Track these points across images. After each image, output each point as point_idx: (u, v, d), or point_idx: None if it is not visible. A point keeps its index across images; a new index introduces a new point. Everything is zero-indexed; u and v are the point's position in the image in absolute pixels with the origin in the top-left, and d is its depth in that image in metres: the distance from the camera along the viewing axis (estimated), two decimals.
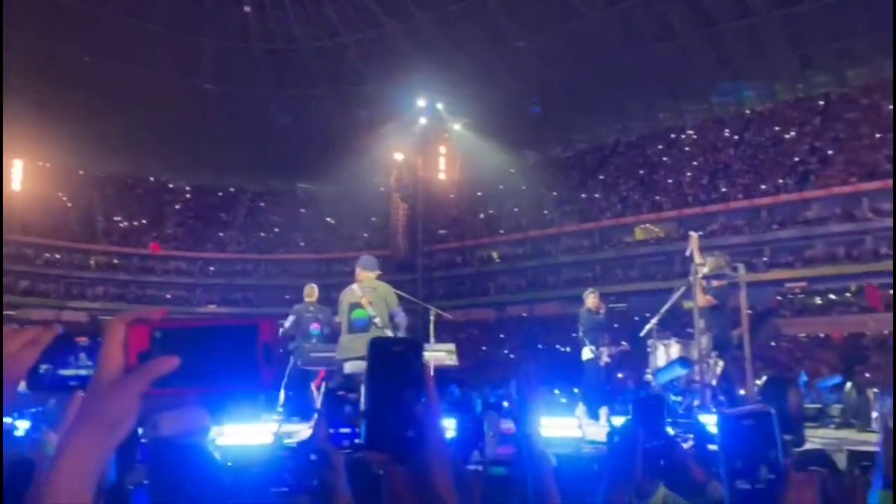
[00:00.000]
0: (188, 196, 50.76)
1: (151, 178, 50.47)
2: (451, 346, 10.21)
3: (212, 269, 46.62)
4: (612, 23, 39.21)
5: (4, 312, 32.81)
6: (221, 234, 48.27)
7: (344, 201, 50.72)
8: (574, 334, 9.95)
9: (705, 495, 2.20)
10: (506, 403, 10.96)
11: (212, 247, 47.11)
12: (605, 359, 9.01)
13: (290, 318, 9.38)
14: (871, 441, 6.47)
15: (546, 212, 41.92)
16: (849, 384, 9.26)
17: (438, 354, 8.64)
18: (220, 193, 51.58)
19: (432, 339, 9.39)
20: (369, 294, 6.78)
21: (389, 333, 6.73)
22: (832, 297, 32.35)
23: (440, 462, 0.90)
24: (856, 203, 33.13)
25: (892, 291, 27.60)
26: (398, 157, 29.12)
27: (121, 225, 46.16)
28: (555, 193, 43.11)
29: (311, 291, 10.06)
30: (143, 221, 46.95)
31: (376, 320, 6.63)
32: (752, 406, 1.39)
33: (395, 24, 39.98)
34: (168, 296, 44.96)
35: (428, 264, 38.62)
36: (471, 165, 37.49)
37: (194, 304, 44.54)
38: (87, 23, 34.84)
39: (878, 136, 35.65)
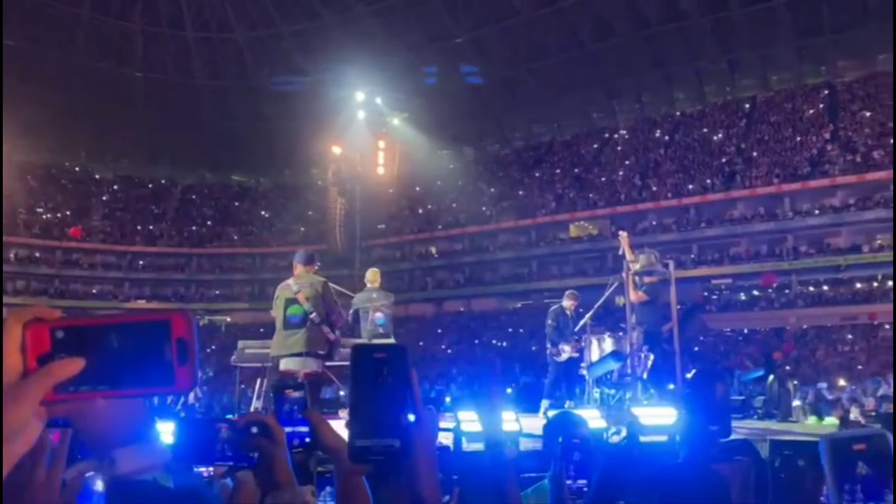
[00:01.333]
0: (115, 187, 48.93)
1: (76, 168, 48.38)
2: (391, 341, 10.19)
3: (141, 262, 45.13)
4: (549, 22, 39.79)
5: None
6: (151, 227, 46.75)
7: (280, 195, 49.89)
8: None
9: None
10: (448, 399, 11.00)
11: (141, 240, 45.57)
12: (567, 355, 9.10)
13: (351, 313, 8.79)
14: (792, 430, 6.77)
15: (484, 208, 42.26)
16: (771, 377, 9.67)
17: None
18: (149, 185, 49.92)
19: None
20: (306, 289, 6.66)
21: (326, 330, 6.65)
22: (755, 293, 33.72)
23: (427, 473, 0.88)
24: (778, 203, 34.59)
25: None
26: (336, 150, 28.77)
27: (43, 217, 44.10)
28: (493, 190, 43.50)
29: (374, 276, 9.33)
30: (67, 213, 44.98)
31: (313, 316, 6.53)
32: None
33: (333, 16, 39.51)
34: (94, 290, 43.33)
35: (366, 259, 38.32)
36: (410, 160, 37.38)
37: (122, 299, 43.05)
38: (9, 4, 33.11)
39: (798, 139, 37.33)
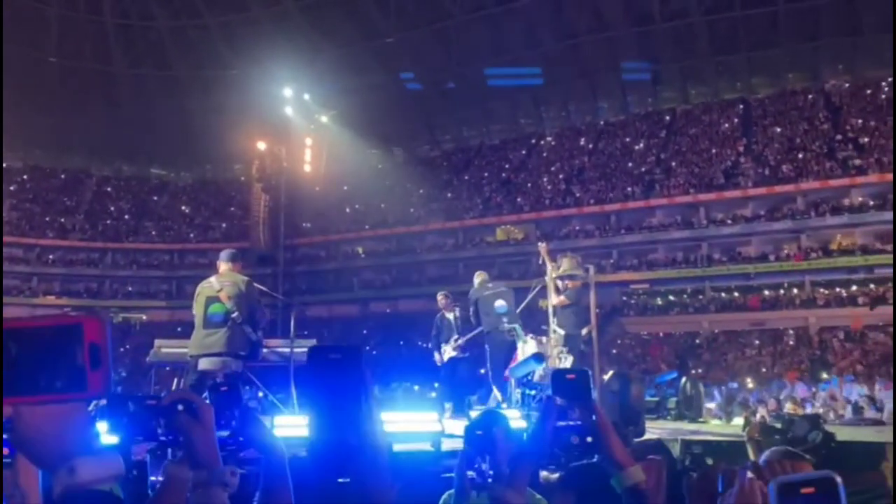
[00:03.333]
0: (25, 177, 46.40)
1: None
2: (313, 342, 10.05)
3: (51, 257, 42.95)
4: (479, 27, 40.24)
5: None
6: (63, 220, 44.56)
7: (201, 190, 48.50)
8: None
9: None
10: None
11: (52, 233, 43.37)
12: (448, 355, 9.19)
13: (470, 308, 8.77)
14: (701, 430, 7.06)
15: (412, 209, 42.27)
16: (684, 379, 10.08)
17: (300, 350, 8.48)
18: (62, 175, 47.58)
19: (293, 334, 9.17)
20: (228, 288, 6.50)
21: (248, 330, 6.51)
22: (671, 298, 35.02)
23: (380, 470, 0.89)
24: (694, 212, 36.03)
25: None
26: (261, 146, 28.16)
27: None
28: (421, 191, 43.57)
29: (481, 274, 9.51)
30: None
31: (235, 315, 6.38)
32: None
33: (261, 9, 38.73)
34: None
35: (290, 258, 37.64)
36: (337, 159, 37.00)
37: (29, 294, 40.86)
38: None
39: (714, 151, 39.02)
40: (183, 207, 47.19)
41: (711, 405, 10.81)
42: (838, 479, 0.96)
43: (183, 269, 42.37)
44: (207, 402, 1.32)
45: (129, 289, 43.93)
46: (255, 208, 32.16)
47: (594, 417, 1.29)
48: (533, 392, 8.14)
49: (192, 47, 40.69)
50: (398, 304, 39.68)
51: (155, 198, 48.41)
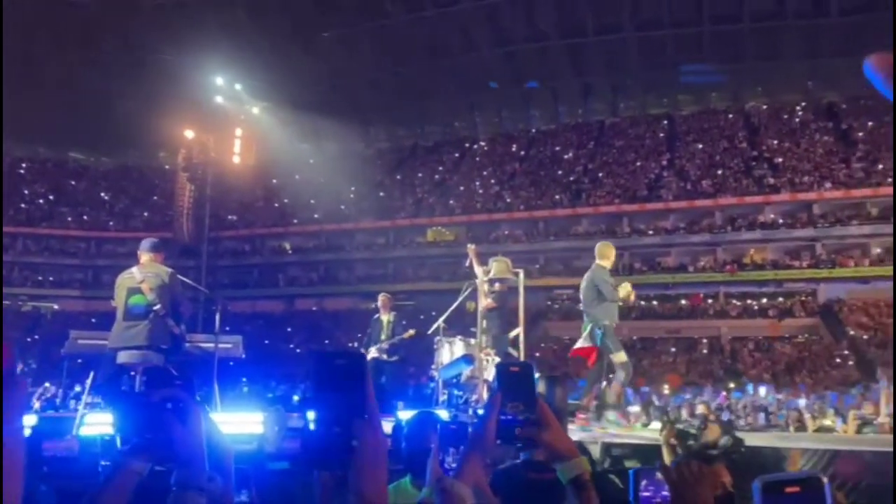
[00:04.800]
0: None
1: None
2: (238, 338, 9.82)
3: None
4: (417, 29, 40.29)
5: None
6: None
7: (122, 176, 46.67)
8: (366, 330, 10.08)
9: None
10: (296, 398, 10.79)
11: None
12: (371, 356, 9.22)
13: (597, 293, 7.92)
14: (621, 435, 7.28)
15: (343, 206, 41.86)
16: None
17: (223, 346, 8.28)
18: None
19: (217, 329, 8.94)
20: (150, 279, 6.28)
21: (171, 323, 6.32)
22: None
23: (374, 471, 0.89)
24: (618, 222, 37.09)
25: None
26: (188, 134, 27.29)
27: None
28: (353, 189, 43.19)
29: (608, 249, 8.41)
30: None
31: (157, 308, 6.17)
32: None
33: None
34: None
35: (214, 251, 36.71)
36: (268, 151, 36.29)
37: None
38: None
39: (639, 163, 40.31)
40: (102, 194, 45.27)
41: (636, 408, 11.15)
42: (824, 479, 0.96)
43: (100, 257, 40.62)
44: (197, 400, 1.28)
45: (41, 277, 41.79)
46: (180, 198, 31.16)
47: (538, 410, 1.32)
48: (460, 393, 8.21)
49: (121, 29, 39.11)
50: (325, 303, 39.21)
51: (73, 182, 46.25)
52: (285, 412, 6.88)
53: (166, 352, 6.31)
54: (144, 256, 6.46)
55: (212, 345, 7.60)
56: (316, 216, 41.94)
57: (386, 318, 9.51)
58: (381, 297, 9.75)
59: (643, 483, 2.89)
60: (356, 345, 9.83)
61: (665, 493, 2.81)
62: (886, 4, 36.51)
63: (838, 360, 27.40)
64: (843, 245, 33.40)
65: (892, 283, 25.83)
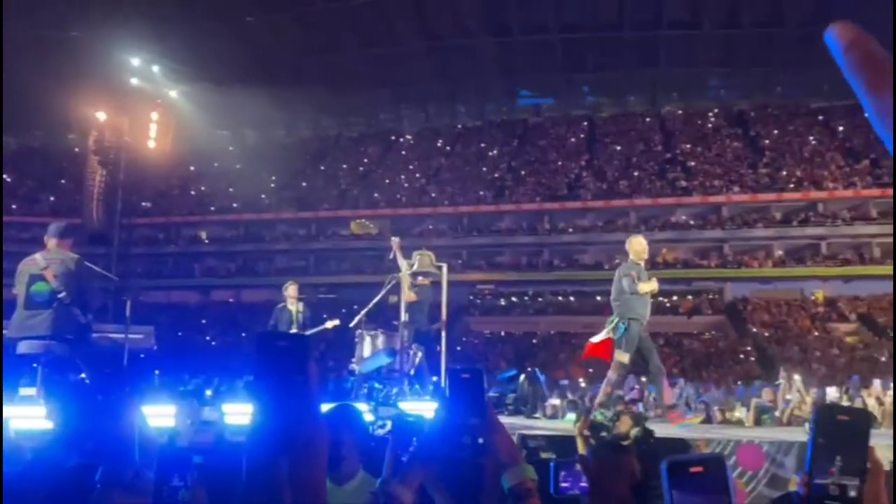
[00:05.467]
0: None
1: None
2: (149, 329, 9.48)
3: None
4: (342, 17, 39.79)
5: None
6: None
7: (26, 157, 44.11)
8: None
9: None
10: (209, 392, 10.48)
11: None
12: None
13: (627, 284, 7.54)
14: (536, 426, 7.44)
15: (263, 196, 40.91)
16: (522, 376, 10.58)
17: (134, 337, 7.97)
18: None
19: (128, 320, 8.60)
20: (55, 266, 5.98)
21: (77, 312, 6.03)
22: (514, 299, 36.51)
23: (312, 464, 0.85)
24: (539, 219, 37.81)
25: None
26: (100, 116, 26.06)
27: None
28: (274, 178, 42.29)
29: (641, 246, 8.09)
30: None
31: (62, 296, 5.88)
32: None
33: None
34: None
35: (126, 238, 35.17)
36: (185, 137, 35.06)
37: None
38: None
39: (560, 163, 41.21)
40: (4, 175, 42.62)
41: (556, 401, 11.44)
42: (727, 461, 1.02)
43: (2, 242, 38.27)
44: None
45: None
46: (90, 182, 29.75)
47: (488, 416, 1.31)
48: (381, 386, 8.18)
49: (24, 3, 36.83)
50: (242, 294, 38.24)
51: None
52: (199, 405, 6.70)
53: (71, 342, 6.01)
54: (50, 242, 6.15)
55: (121, 335, 7.32)
56: (235, 205, 40.84)
57: (294, 308, 9.30)
58: (289, 287, 9.49)
59: (562, 474, 2.96)
60: None
61: (583, 483, 2.89)
62: (796, 20, 38.74)
63: (742, 356, 28.86)
64: (749, 247, 35.19)
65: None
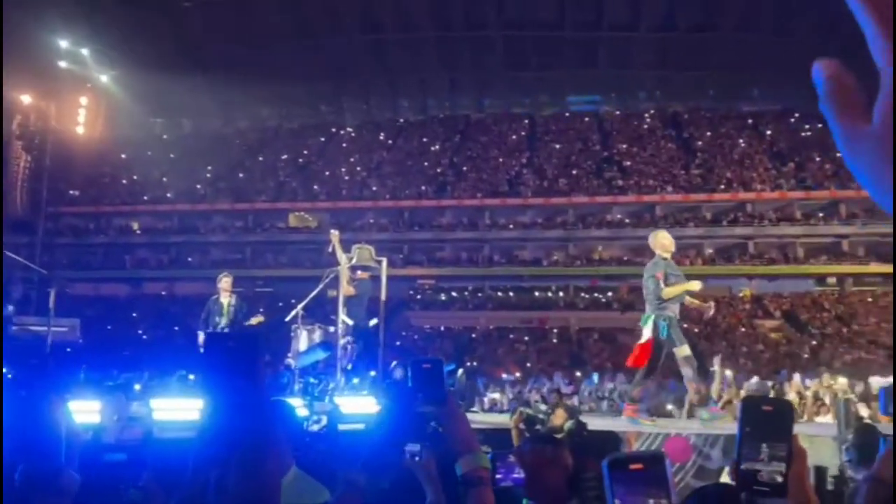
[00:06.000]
0: None
1: None
2: (74, 322, 9.13)
3: None
4: (283, 7, 39.11)
5: None
6: None
7: None
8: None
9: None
10: (137, 386, 10.16)
11: None
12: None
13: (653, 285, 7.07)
14: (475, 420, 7.50)
15: (199, 186, 39.89)
16: (460, 371, 10.66)
17: (57, 330, 7.66)
18: None
19: (52, 312, 8.26)
20: None
21: None
22: (454, 294, 36.69)
23: (259, 464, 0.82)
24: (480, 215, 38.06)
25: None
26: (25, 99, 24.90)
27: None
28: (210, 168, 41.26)
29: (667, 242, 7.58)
30: None
31: None
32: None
33: None
34: None
35: (52, 228, 33.80)
36: (117, 124, 33.86)
37: None
38: None
39: (501, 160, 41.57)
40: None
41: (496, 395, 11.57)
42: (666, 458, 1.02)
43: None
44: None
45: None
46: (13, 168, 28.41)
47: (449, 405, 1.32)
48: (316, 381, 8.10)
49: None
50: (175, 287, 37.19)
51: None
52: (126, 400, 6.49)
53: None
54: None
55: (44, 328, 7.02)
56: (168, 195, 39.65)
57: (227, 300, 9.09)
58: (223, 279, 9.27)
59: (497, 465, 3.00)
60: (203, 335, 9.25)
61: (517, 475, 2.92)
62: (728, 25, 40.10)
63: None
64: (681, 245, 36.02)
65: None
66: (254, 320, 9.27)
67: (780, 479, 1.04)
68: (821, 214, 35.29)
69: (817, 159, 37.92)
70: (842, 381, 12.77)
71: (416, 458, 1.90)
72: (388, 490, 1.91)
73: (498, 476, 2.89)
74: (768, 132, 41.48)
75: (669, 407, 12.10)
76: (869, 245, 34.44)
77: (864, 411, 11.90)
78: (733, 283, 34.72)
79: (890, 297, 32.58)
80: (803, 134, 41.05)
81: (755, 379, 15.38)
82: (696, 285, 6.96)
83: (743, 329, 31.23)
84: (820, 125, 41.38)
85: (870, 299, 32.71)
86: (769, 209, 35.82)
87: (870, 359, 26.53)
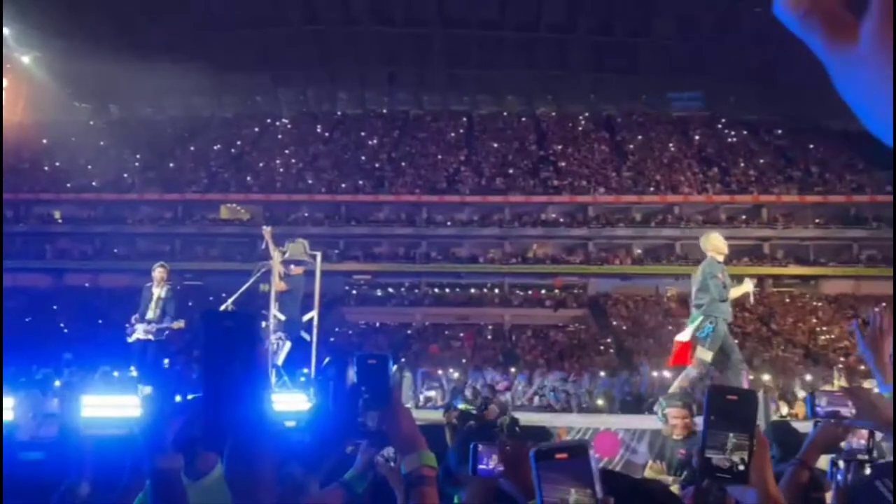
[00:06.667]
0: None
1: None
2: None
3: None
4: None
5: None
6: None
7: None
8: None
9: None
10: (57, 382, 9.74)
11: None
12: (137, 335, 8.53)
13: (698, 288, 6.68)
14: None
15: (126, 175, 38.48)
16: (395, 367, 10.65)
17: None
18: None
19: None
20: None
21: None
22: (390, 290, 36.60)
23: (251, 458, 0.78)
24: (417, 211, 38.06)
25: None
26: None
27: None
28: (138, 156, 39.86)
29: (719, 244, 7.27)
30: None
31: None
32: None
33: None
34: None
35: None
36: (39, 108, 32.35)
37: None
38: None
39: (440, 157, 41.66)
40: None
41: (432, 392, 11.59)
42: (590, 448, 1.04)
43: None
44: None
45: None
46: None
47: (392, 402, 1.31)
48: None
49: None
50: (99, 279, 35.81)
51: None
52: (42, 396, 6.22)
53: None
54: None
55: None
56: (94, 184, 38.11)
57: (157, 292, 8.68)
58: (157, 268, 8.90)
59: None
60: (135, 319, 8.90)
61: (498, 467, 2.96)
62: (661, 33, 41.27)
63: (602, 348, 30.48)
64: (611, 245, 37.19)
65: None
66: (174, 325, 8.96)
67: (742, 467, 1.07)
68: (744, 217, 36.78)
69: (742, 164, 39.50)
70: (765, 378, 13.37)
71: (391, 463, 1.90)
72: (363, 496, 1.90)
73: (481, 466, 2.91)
74: (696, 137, 42.95)
75: (600, 401, 12.40)
76: (788, 248, 36.13)
77: (784, 409, 12.50)
78: (660, 282, 35.82)
79: (806, 299, 34.30)
80: (729, 140, 42.70)
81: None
82: (749, 286, 6.95)
83: (669, 328, 32.26)
84: (745, 132, 43.16)
85: (787, 300, 34.31)
86: (695, 212, 37.10)
87: (786, 357, 27.85)
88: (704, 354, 6.59)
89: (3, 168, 37.28)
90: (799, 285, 35.45)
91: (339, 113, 46.56)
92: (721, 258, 6.96)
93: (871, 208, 35.61)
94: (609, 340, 31.09)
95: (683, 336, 6.79)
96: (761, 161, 39.89)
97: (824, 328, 30.87)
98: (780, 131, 42.97)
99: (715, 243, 7.10)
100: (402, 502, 1.71)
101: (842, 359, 25.30)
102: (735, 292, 6.87)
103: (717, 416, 1.10)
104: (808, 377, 19.65)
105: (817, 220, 36.02)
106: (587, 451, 1.05)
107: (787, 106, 41.60)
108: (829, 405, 1.73)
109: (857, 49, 0.39)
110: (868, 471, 1.85)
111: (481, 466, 1.84)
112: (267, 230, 9.29)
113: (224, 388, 0.84)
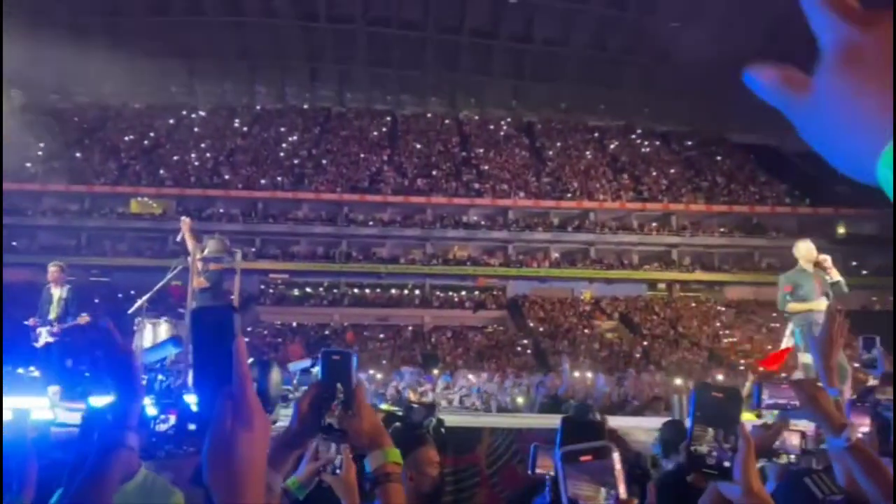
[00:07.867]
0: None
1: None
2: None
3: None
4: None
5: None
6: None
7: None
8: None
9: None
10: None
11: None
12: (44, 339, 8.22)
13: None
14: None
15: (29, 164, 36.28)
16: (315, 368, 10.49)
17: None
18: None
19: None
20: None
21: None
22: (308, 290, 36.04)
23: (227, 461, 0.74)
24: (338, 210, 37.65)
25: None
26: None
27: None
28: (42, 145, 37.65)
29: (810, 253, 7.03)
30: None
31: None
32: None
33: None
34: None
35: None
36: None
37: None
38: None
39: (362, 155, 41.36)
40: None
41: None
42: (614, 450, 1.07)
43: None
44: None
45: None
46: None
47: (354, 399, 1.30)
48: (164, 378, 7.65)
49: None
50: None
51: None
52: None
53: None
54: None
55: None
56: None
57: (58, 292, 8.36)
58: (51, 268, 8.50)
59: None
60: (34, 322, 8.49)
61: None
62: (581, 42, 42.38)
63: (519, 349, 31.03)
64: (530, 248, 37.94)
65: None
66: (80, 320, 8.56)
67: (727, 463, 1.11)
68: (654, 225, 38.31)
69: (653, 174, 41.11)
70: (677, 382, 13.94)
71: (336, 472, 1.85)
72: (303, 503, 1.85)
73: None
74: (612, 146, 44.39)
75: (520, 400, 12.62)
76: (694, 255, 37.86)
77: None
78: (576, 285, 36.82)
79: (710, 305, 36.03)
80: (643, 150, 44.35)
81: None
82: (822, 304, 6.80)
83: (585, 330, 33.18)
84: (658, 142, 44.95)
85: (693, 304, 35.95)
86: (609, 218, 38.34)
87: (692, 359, 29.17)
88: (806, 359, 6.54)
89: None
90: (704, 290, 37.22)
91: (258, 107, 45.51)
92: (809, 266, 6.94)
93: (771, 219, 37.81)
94: (526, 342, 31.68)
95: (784, 343, 6.92)
96: (671, 171, 41.66)
97: (727, 331, 32.54)
98: (689, 143, 45.00)
99: (803, 252, 7.07)
100: None
101: (742, 361, 26.72)
102: (798, 307, 6.83)
103: (702, 413, 1.14)
104: (720, 377, 20.62)
105: (722, 229, 37.93)
106: (611, 454, 1.09)
107: (696, 118, 43.62)
108: (773, 397, 1.81)
109: (812, 100, 0.45)
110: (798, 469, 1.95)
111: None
112: (185, 221, 8.92)
113: (214, 386, 0.83)
